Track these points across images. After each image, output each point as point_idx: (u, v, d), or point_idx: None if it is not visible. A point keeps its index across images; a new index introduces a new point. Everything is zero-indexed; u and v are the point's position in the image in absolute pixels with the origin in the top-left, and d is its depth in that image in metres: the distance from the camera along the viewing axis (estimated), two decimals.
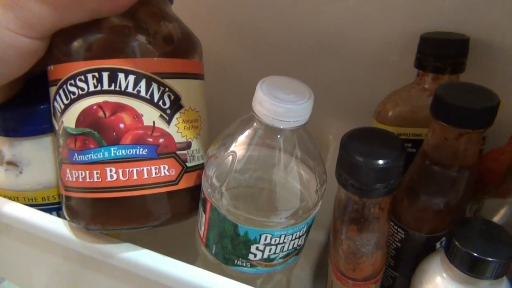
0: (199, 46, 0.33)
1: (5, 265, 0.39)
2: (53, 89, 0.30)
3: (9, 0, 0.26)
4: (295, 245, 0.29)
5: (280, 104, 0.25)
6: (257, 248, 0.28)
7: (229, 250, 0.28)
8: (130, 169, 0.28)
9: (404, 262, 0.32)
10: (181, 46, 0.31)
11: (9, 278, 0.41)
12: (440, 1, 0.36)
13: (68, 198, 0.29)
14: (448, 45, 0.34)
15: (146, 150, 0.28)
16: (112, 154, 0.28)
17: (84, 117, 0.28)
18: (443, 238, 0.30)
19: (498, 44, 0.36)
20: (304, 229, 0.29)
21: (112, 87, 0.28)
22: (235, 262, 0.29)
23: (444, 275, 0.27)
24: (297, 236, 0.29)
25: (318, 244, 0.37)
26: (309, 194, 0.28)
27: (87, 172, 0.28)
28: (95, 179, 0.28)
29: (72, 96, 0.28)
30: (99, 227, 0.29)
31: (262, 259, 0.29)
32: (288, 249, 0.29)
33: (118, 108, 0.28)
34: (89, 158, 0.28)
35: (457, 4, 0.35)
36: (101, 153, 0.28)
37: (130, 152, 0.28)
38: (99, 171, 0.28)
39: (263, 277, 0.30)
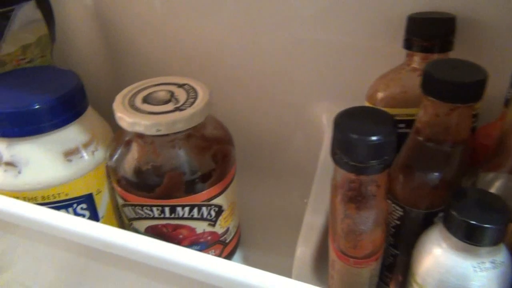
0: (233, 155, 0.40)
1: (11, 264, 0.39)
2: (120, 201, 0.39)
3: None
4: None
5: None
6: None
7: None
8: None
9: (404, 240, 0.32)
10: (221, 171, 0.38)
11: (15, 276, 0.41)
12: None
13: None
14: (435, 24, 0.35)
15: (199, 246, 0.40)
16: None
17: (152, 229, 0.38)
18: (441, 214, 0.31)
19: (484, 21, 0.36)
20: None
21: (173, 216, 0.37)
22: None
23: (443, 245, 0.27)
24: None
25: (317, 227, 0.37)
26: None
27: None
28: None
29: (140, 216, 0.38)
30: None
31: None
32: None
33: (177, 227, 0.38)
34: None
35: None
36: None
37: None
38: None
39: None
